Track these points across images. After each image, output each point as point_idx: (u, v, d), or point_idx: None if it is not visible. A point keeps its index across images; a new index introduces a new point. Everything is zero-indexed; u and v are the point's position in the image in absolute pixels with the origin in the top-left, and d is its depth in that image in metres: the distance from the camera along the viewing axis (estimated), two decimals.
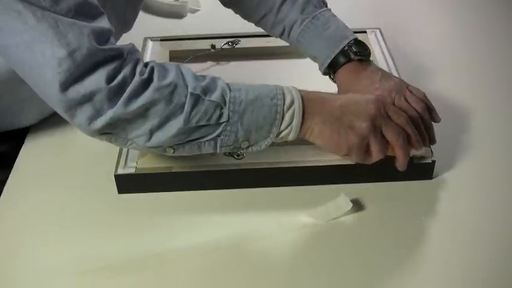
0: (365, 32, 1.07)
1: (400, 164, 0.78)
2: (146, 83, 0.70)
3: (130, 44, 0.74)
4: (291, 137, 0.76)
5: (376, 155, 0.77)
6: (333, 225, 0.77)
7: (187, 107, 0.71)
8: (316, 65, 0.90)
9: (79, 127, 0.71)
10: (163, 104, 0.70)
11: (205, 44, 1.05)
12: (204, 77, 0.74)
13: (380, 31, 1.08)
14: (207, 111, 0.71)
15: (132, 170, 0.81)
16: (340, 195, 0.78)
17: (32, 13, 0.65)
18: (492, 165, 0.86)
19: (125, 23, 0.92)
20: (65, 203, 0.82)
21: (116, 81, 0.68)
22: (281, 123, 0.74)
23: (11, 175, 0.86)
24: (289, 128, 0.75)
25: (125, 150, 0.83)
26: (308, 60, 0.92)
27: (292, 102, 0.74)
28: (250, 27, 0.99)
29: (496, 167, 0.86)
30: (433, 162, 0.82)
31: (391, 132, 0.76)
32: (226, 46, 1.05)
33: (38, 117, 0.93)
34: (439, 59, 1.08)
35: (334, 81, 0.89)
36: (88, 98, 0.68)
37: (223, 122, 0.72)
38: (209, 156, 0.81)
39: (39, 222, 0.79)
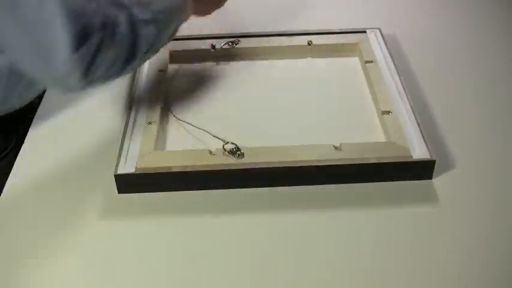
0: (365, 32, 1.07)
1: None
2: None
3: None
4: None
5: None
6: (333, 225, 0.77)
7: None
8: (316, 65, 0.89)
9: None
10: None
11: (205, 44, 1.06)
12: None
13: (380, 31, 1.08)
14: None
15: (132, 170, 0.81)
16: None
17: None
18: (492, 165, 0.86)
19: None
20: (65, 203, 0.82)
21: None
22: None
23: (11, 175, 0.86)
24: None
25: (125, 150, 0.83)
26: (308, 60, 0.92)
27: None
28: (250, 27, 0.99)
29: (496, 167, 0.85)
30: (433, 162, 0.82)
31: None
32: (226, 46, 1.05)
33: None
34: (439, 59, 1.08)
35: None
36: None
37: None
38: (209, 156, 0.81)
39: (39, 222, 0.79)
